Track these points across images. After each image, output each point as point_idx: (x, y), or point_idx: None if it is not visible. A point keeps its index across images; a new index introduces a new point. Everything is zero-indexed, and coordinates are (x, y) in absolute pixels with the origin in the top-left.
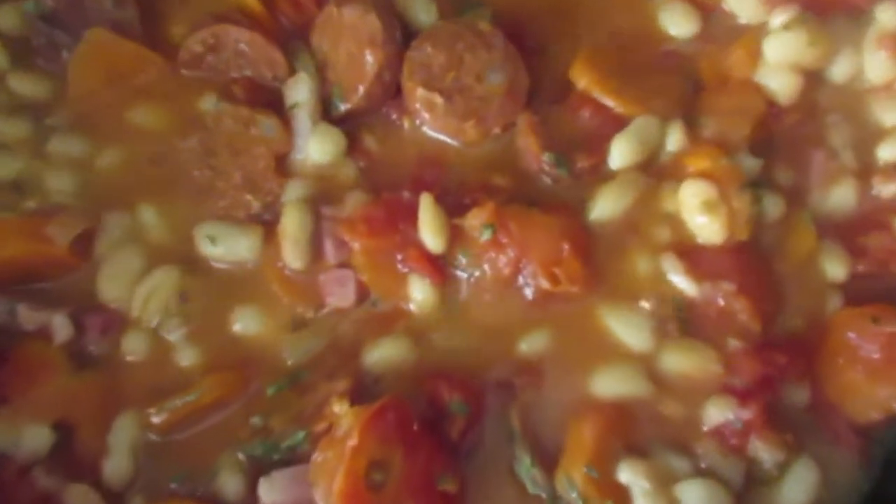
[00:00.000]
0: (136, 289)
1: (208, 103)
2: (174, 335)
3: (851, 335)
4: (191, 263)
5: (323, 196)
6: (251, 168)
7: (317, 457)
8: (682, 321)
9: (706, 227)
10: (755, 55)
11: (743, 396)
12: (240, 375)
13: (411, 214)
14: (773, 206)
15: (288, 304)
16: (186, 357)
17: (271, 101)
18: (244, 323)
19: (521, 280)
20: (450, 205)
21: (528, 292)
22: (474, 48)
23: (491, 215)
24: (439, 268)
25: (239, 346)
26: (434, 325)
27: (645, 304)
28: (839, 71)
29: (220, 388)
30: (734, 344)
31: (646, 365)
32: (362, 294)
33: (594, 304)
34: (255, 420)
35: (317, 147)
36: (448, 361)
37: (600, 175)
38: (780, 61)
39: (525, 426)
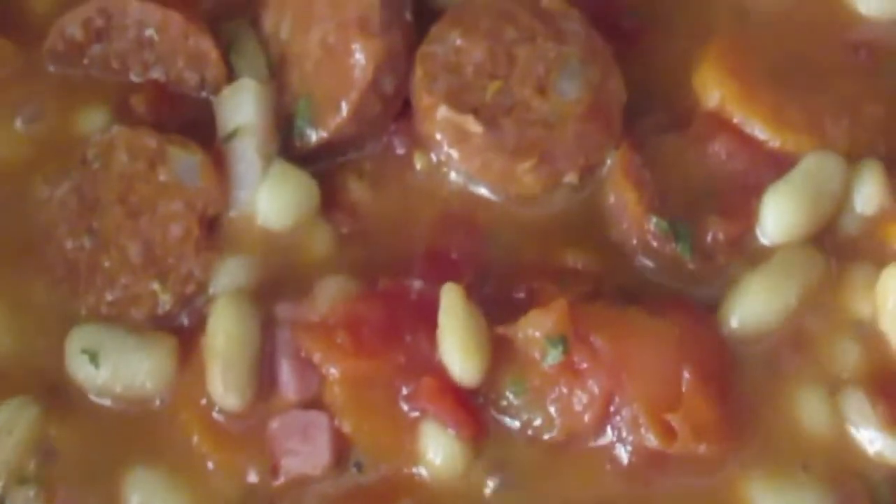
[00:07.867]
0: None
1: (91, 123)
2: None
3: None
4: (58, 396)
5: (277, 285)
6: (159, 237)
7: None
8: None
9: None
10: None
11: None
12: None
13: (425, 318)
14: None
15: (218, 469)
16: None
17: (194, 122)
18: (144, 500)
19: (610, 433)
20: (491, 302)
21: (623, 453)
22: (533, 37)
23: (562, 320)
24: (472, 411)
25: None
26: None
27: (817, 479)
28: None
29: None
30: None
31: None
32: (341, 452)
33: (733, 475)
34: None
35: (270, 201)
36: None
37: (745, 254)
38: None
39: None
